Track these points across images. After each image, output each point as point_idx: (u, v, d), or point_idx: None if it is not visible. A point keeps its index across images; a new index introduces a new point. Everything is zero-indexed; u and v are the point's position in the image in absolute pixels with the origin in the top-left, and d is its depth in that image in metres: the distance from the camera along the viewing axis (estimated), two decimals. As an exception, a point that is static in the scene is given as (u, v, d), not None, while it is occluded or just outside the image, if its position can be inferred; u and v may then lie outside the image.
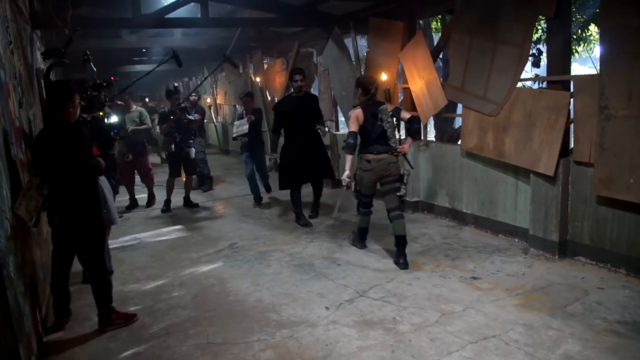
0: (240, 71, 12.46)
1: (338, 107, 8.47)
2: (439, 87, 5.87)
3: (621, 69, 3.91)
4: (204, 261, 5.23)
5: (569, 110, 4.49)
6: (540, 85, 6.27)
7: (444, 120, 9.40)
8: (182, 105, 7.60)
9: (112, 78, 4.83)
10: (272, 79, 10.81)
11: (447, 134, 9.54)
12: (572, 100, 4.45)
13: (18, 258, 3.08)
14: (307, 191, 6.69)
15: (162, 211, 7.51)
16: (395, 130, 4.81)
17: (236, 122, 7.69)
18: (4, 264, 2.64)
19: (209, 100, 15.55)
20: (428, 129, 6.68)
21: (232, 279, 4.67)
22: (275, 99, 10.44)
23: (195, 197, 8.09)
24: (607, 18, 4.04)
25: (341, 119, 8.95)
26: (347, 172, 4.86)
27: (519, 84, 4.96)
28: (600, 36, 4.33)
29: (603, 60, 4.10)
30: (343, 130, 9.20)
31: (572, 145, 4.58)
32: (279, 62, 10.40)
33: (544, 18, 4.99)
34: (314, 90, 9.82)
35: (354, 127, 4.80)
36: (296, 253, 5.29)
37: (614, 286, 4.04)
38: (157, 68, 6.28)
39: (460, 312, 3.74)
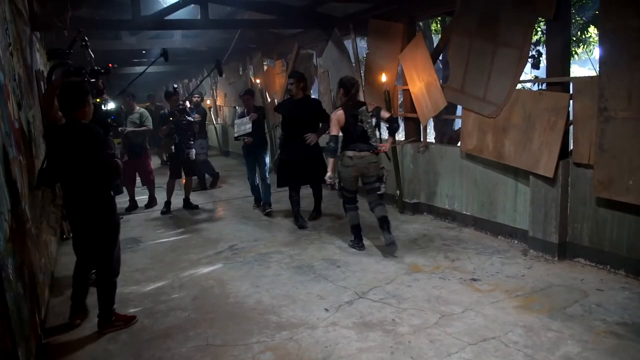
0: (240, 73, 12.46)
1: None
2: (438, 89, 5.87)
3: (620, 70, 3.91)
4: (204, 263, 5.23)
5: (569, 112, 4.49)
6: (540, 87, 6.27)
7: (443, 122, 9.39)
8: (181, 106, 7.60)
9: (110, 65, 4.82)
10: (272, 81, 10.82)
11: (446, 135, 9.53)
12: (571, 102, 4.45)
13: (17, 260, 3.08)
14: (308, 192, 6.70)
15: (162, 213, 7.51)
16: (375, 130, 5.09)
17: (237, 121, 7.22)
18: (3, 266, 2.64)
19: (208, 102, 15.55)
20: (428, 131, 6.68)
21: (232, 280, 4.67)
22: (275, 100, 10.44)
23: (195, 198, 8.09)
24: (607, 20, 4.04)
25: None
26: (329, 173, 5.14)
27: (519, 86, 4.97)
28: (599, 38, 4.34)
29: (602, 62, 4.10)
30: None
31: (571, 147, 4.59)
32: (279, 64, 10.41)
33: (543, 20, 4.99)
34: (313, 92, 9.85)
35: (335, 130, 5.04)
36: (296, 255, 5.29)
37: (614, 288, 4.04)
38: (150, 68, 6.24)
39: (459, 313, 3.74)
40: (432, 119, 6.96)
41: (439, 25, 10.50)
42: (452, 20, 5.86)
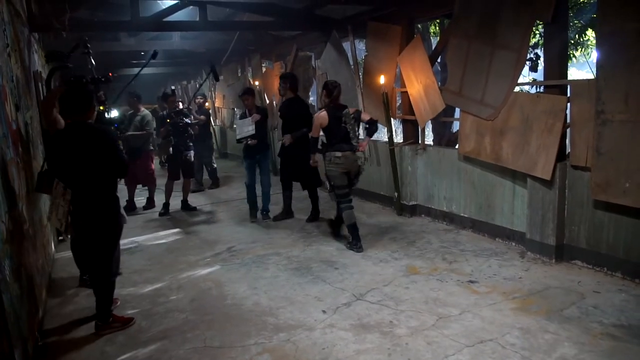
0: (239, 74, 12.47)
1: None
2: (436, 91, 5.88)
3: (618, 73, 3.92)
4: (202, 264, 5.22)
5: (566, 114, 4.51)
6: (538, 90, 6.28)
7: (441, 124, 9.41)
8: (178, 108, 7.61)
9: (110, 74, 4.84)
10: (270, 83, 10.82)
11: (444, 138, 9.55)
12: (569, 104, 4.46)
13: (14, 261, 3.08)
14: (305, 194, 6.70)
15: (160, 214, 7.51)
16: (356, 131, 5.45)
17: (238, 122, 6.84)
18: (0, 268, 2.64)
19: (207, 104, 15.54)
20: (426, 133, 6.69)
21: (230, 282, 4.67)
22: (274, 102, 10.45)
23: (193, 200, 8.09)
24: (604, 23, 4.06)
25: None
26: (314, 159, 5.65)
27: (517, 89, 4.98)
28: (597, 41, 4.35)
29: (600, 65, 4.11)
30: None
31: (569, 150, 4.60)
32: (278, 66, 10.40)
33: (541, 23, 5.00)
34: (312, 94, 9.85)
35: (316, 132, 5.49)
36: (294, 256, 5.29)
37: (610, 290, 4.05)
38: (148, 70, 6.28)
39: (457, 315, 3.75)
40: (430, 121, 6.97)
41: (437, 28, 10.52)
42: (451, 22, 5.87)
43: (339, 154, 5.31)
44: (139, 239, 6.30)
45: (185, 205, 7.78)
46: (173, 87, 8.58)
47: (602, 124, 4.06)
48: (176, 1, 6.80)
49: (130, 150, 7.51)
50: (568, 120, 4.51)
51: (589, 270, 4.47)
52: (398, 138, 7.29)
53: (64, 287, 4.77)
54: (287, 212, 6.81)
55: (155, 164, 8.18)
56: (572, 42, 8.50)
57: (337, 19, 7.67)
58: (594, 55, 5.52)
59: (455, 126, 8.76)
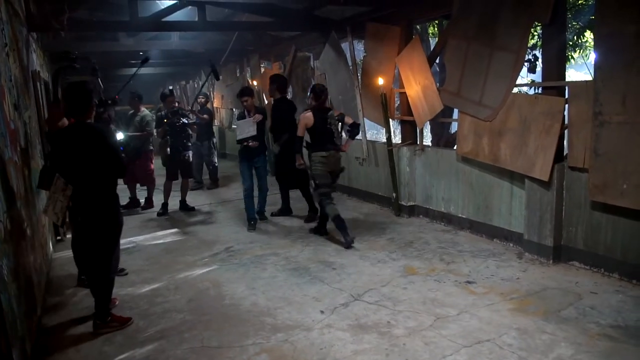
0: (238, 75, 12.47)
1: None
2: (435, 92, 5.89)
3: (615, 75, 3.93)
4: (200, 265, 5.22)
5: (564, 116, 4.52)
6: (536, 91, 6.30)
7: (440, 125, 9.42)
8: (175, 108, 7.62)
9: (116, 97, 4.98)
10: (269, 83, 10.80)
11: (443, 138, 9.56)
12: (567, 106, 4.48)
13: (12, 261, 3.08)
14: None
15: (158, 214, 7.51)
16: (339, 132, 5.80)
17: (239, 122, 6.49)
18: (-2, 267, 2.64)
19: (209, 104, 15.54)
20: (424, 134, 6.70)
21: (228, 282, 4.67)
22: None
23: (192, 200, 8.08)
24: (602, 25, 4.07)
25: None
26: (298, 162, 5.84)
27: (515, 90, 4.99)
28: (595, 43, 4.36)
29: (597, 66, 4.12)
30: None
31: (566, 151, 4.61)
32: (276, 66, 10.40)
33: (540, 24, 5.01)
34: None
35: (301, 132, 5.69)
36: (292, 257, 5.29)
37: (608, 291, 4.06)
38: (147, 70, 6.31)
39: (454, 316, 3.75)
40: (428, 122, 6.98)
41: (436, 29, 10.53)
42: (449, 23, 5.88)
43: (324, 153, 5.59)
44: (137, 239, 6.30)
45: (183, 205, 7.78)
46: (171, 88, 8.57)
47: (600, 125, 4.07)
48: (175, 1, 6.80)
49: (130, 151, 7.53)
50: (566, 122, 4.52)
51: (587, 271, 4.48)
52: (396, 139, 7.31)
53: (62, 287, 4.77)
54: (285, 210, 6.85)
55: (156, 164, 8.18)
56: (571, 43, 8.52)
57: (336, 20, 7.68)
58: (592, 56, 5.54)
59: (454, 127, 8.77)
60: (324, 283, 4.53)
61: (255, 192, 6.70)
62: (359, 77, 7.47)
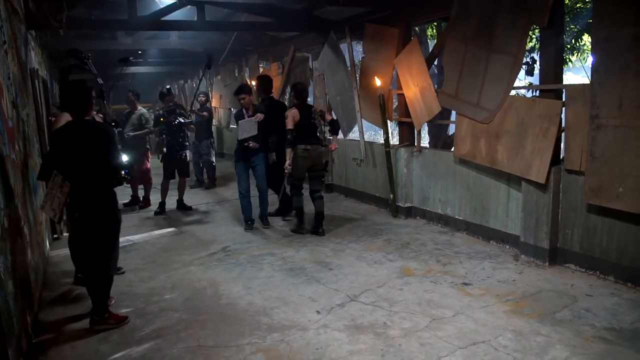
0: (236, 74, 12.47)
1: (333, 113, 8.48)
2: (433, 94, 5.91)
3: (612, 78, 3.95)
4: (197, 264, 5.23)
5: (561, 118, 4.54)
6: (533, 94, 6.32)
7: (437, 126, 9.44)
8: (171, 107, 7.63)
9: (117, 122, 5.24)
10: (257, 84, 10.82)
11: (440, 140, 9.59)
12: (564, 109, 4.49)
13: (9, 259, 3.08)
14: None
15: (156, 213, 7.51)
16: (321, 127, 6.13)
17: (241, 122, 6.29)
18: (-5, 265, 2.64)
19: (208, 103, 15.54)
20: (422, 135, 6.72)
21: (224, 282, 4.67)
22: (286, 101, 10.45)
23: (189, 198, 8.08)
24: (600, 28, 4.09)
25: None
26: (288, 162, 5.85)
27: (513, 92, 5.01)
28: (592, 46, 4.38)
29: (594, 69, 4.14)
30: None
31: (563, 154, 4.63)
32: (275, 66, 10.41)
33: (538, 27, 5.03)
34: (309, 95, 9.84)
35: (290, 125, 5.83)
36: (288, 257, 5.30)
37: (603, 293, 4.07)
38: (146, 68, 6.32)
39: (450, 317, 3.76)
40: (426, 124, 6.99)
41: (434, 31, 10.55)
42: (448, 25, 5.90)
43: (308, 147, 5.88)
44: (134, 237, 6.30)
45: (180, 204, 7.78)
46: (168, 87, 8.57)
47: (597, 128, 4.09)
48: (174, 1, 6.80)
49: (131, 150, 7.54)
50: (563, 125, 4.54)
51: (582, 274, 4.49)
52: (394, 140, 7.32)
53: (58, 285, 4.77)
54: (283, 210, 6.87)
55: (153, 163, 8.19)
56: (569, 46, 8.56)
57: (335, 21, 7.69)
58: (590, 60, 5.56)
59: (451, 129, 8.80)
60: (320, 283, 4.54)
61: (255, 192, 6.60)
62: (357, 78, 7.48)
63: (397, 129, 7.32)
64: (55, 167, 3.79)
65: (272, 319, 3.85)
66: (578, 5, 8.44)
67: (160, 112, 7.65)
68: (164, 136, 7.46)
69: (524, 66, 7.20)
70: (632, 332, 3.44)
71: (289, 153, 5.85)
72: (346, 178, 8.16)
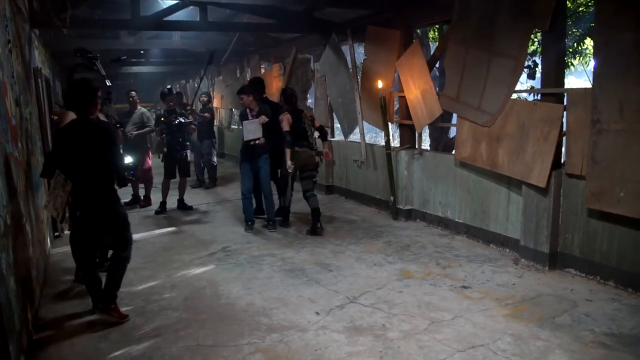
0: (238, 75, 12.49)
1: (334, 114, 8.50)
2: (434, 97, 5.92)
3: (613, 82, 3.96)
4: (196, 264, 5.24)
5: (562, 122, 4.54)
6: (535, 97, 6.33)
7: (438, 129, 9.44)
8: (172, 107, 7.67)
9: (121, 126, 5.36)
10: (269, 84, 10.83)
11: (441, 143, 9.58)
12: (565, 112, 4.50)
13: (10, 256, 3.09)
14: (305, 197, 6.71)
15: (156, 213, 7.52)
16: (312, 132, 6.33)
17: (246, 123, 6.29)
18: (-3, 262, 2.65)
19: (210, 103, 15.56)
20: (423, 138, 6.73)
21: (224, 282, 4.68)
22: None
23: (190, 198, 8.09)
24: (601, 32, 4.09)
25: (337, 125, 8.97)
26: (289, 163, 6.08)
27: (514, 96, 5.01)
28: (594, 50, 4.39)
29: (596, 73, 4.15)
30: (338, 136, 9.25)
31: (564, 158, 4.63)
32: (277, 67, 10.43)
33: (539, 31, 5.04)
34: (310, 96, 9.88)
35: (287, 127, 6.06)
36: (288, 258, 5.31)
37: (603, 298, 4.07)
38: (148, 68, 6.33)
39: (449, 320, 3.77)
40: (427, 126, 7.00)
41: (436, 33, 10.57)
42: (449, 28, 5.91)
43: (297, 149, 6.11)
44: (135, 236, 6.20)
45: (181, 204, 7.79)
46: (169, 87, 8.60)
47: (598, 132, 4.09)
48: (177, 1, 6.81)
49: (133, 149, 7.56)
50: (564, 129, 4.54)
51: (582, 279, 4.49)
52: (395, 142, 7.33)
53: (59, 283, 4.78)
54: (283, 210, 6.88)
55: (154, 161, 8.23)
56: (571, 50, 8.56)
57: (336, 22, 7.70)
58: (592, 63, 5.57)
59: (452, 132, 8.80)
60: (320, 285, 4.54)
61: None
62: (359, 80, 7.50)
63: (398, 131, 7.33)
64: (58, 165, 3.81)
65: (271, 320, 3.85)
66: (580, 9, 8.45)
67: (161, 111, 7.68)
68: (164, 135, 7.48)
69: (525, 70, 7.19)
70: (632, 337, 3.43)
71: (288, 153, 6.03)
72: (347, 180, 8.16)
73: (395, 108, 7.22)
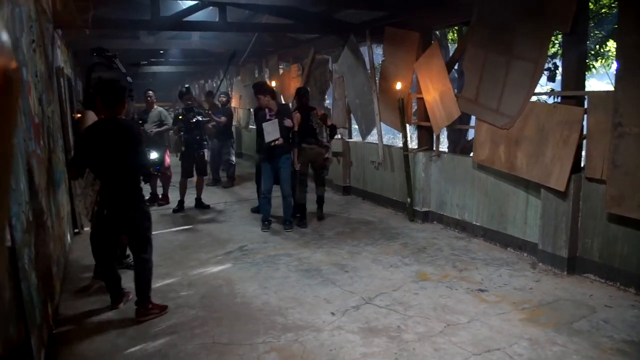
0: (256, 75, 12.56)
1: (352, 115, 8.50)
2: (452, 99, 5.88)
3: (636, 85, 3.89)
4: (213, 262, 5.28)
5: (582, 126, 4.48)
6: (555, 100, 6.26)
7: (456, 131, 9.37)
8: (189, 105, 7.75)
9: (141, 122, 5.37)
10: (287, 84, 10.89)
11: (459, 145, 9.52)
12: (585, 116, 4.44)
13: (32, 251, 3.15)
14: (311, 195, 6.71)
15: (174, 211, 7.60)
16: (322, 129, 6.60)
17: (265, 124, 6.22)
18: (19, 256, 2.70)
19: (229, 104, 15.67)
20: (441, 140, 6.69)
21: (240, 281, 4.71)
22: (290, 104, 10.50)
23: (208, 196, 8.15)
24: (625, 34, 4.03)
25: (354, 126, 8.96)
26: (297, 161, 6.46)
27: (534, 98, 4.96)
28: (617, 52, 4.32)
29: (619, 76, 4.09)
30: (356, 137, 9.24)
31: (584, 162, 4.57)
32: (295, 68, 10.47)
33: (560, 33, 4.99)
34: (328, 97, 9.89)
35: (296, 127, 6.35)
36: (304, 258, 5.32)
37: (622, 305, 4.01)
38: (167, 68, 6.42)
39: (465, 323, 3.75)
40: (445, 128, 6.96)
41: (455, 35, 10.50)
42: (468, 30, 5.87)
43: (305, 145, 6.48)
44: (152, 234, 6.35)
45: (198, 203, 7.86)
46: (187, 86, 8.69)
47: (619, 136, 4.03)
48: (196, 1, 6.89)
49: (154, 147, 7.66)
50: (584, 132, 4.48)
51: (602, 284, 4.43)
52: (413, 144, 7.30)
53: (78, 279, 4.86)
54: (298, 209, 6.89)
55: (172, 160, 8.33)
56: (592, 52, 8.43)
57: (355, 24, 7.70)
58: (614, 66, 5.49)
59: (471, 134, 8.73)
60: (336, 285, 4.55)
61: (277, 193, 6.54)
62: (377, 81, 7.49)
63: (416, 133, 7.29)
64: (87, 164, 3.89)
65: (286, 319, 3.87)
66: (603, 10, 8.32)
67: (180, 110, 7.77)
68: (182, 134, 7.56)
69: (545, 72, 7.12)
70: (651, 344, 3.38)
71: (296, 151, 6.42)
72: (364, 181, 8.16)
73: (413, 110, 7.19)
